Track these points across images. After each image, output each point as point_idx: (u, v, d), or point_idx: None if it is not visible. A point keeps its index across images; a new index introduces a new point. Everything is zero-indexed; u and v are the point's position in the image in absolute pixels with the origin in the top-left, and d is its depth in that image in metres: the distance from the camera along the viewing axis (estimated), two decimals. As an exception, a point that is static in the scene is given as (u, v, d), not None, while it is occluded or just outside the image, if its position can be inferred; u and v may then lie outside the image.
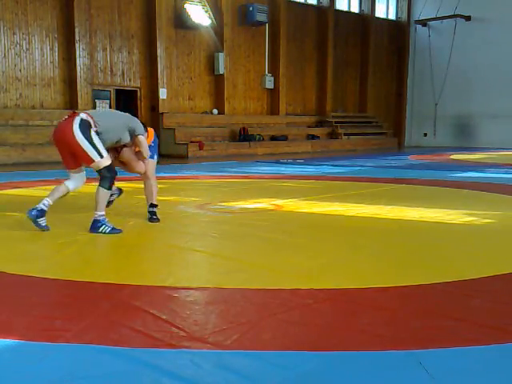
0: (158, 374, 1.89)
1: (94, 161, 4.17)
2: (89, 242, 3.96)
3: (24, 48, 13.09)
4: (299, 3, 19.41)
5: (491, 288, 2.93)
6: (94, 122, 4.24)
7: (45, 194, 4.38)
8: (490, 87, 20.96)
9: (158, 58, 15.14)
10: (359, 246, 3.97)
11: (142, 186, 4.94)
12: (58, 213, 4.83)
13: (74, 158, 4.29)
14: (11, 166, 11.31)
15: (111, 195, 4.81)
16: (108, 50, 14.50)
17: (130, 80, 15.05)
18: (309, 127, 19.53)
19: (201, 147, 14.94)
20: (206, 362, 1.99)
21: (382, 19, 22.64)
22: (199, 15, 15.63)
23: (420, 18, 22.84)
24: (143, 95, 15.36)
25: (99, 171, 4.25)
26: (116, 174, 4.41)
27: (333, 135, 19.83)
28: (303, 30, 19.51)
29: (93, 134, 4.18)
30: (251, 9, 16.96)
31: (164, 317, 2.42)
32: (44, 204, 4.23)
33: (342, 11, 20.92)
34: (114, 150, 4.64)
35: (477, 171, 10.06)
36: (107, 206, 4.50)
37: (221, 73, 16.64)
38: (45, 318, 2.42)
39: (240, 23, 17.28)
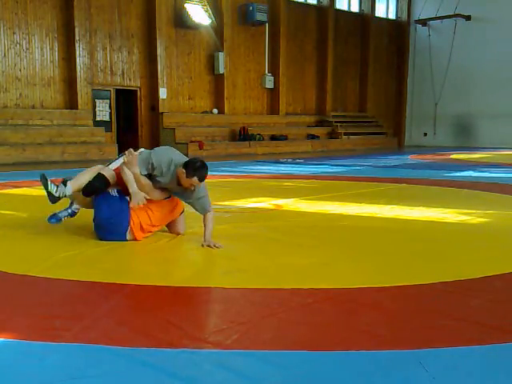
0: (158, 373, 1.89)
1: None
2: (88, 241, 3.96)
3: (24, 47, 13.08)
4: (299, 3, 19.38)
5: (491, 288, 2.93)
6: None
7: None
8: (490, 87, 20.94)
9: (158, 58, 15.13)
10: (359, 246, 3.97)
11: None
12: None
13: None
14: (11, 165, 11.30)
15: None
16: (108, 49, 14.48)
17: (129, 80, 15.05)
18: (309, 127, 19.52)
19: (201, 147, 14.94)
20: (206, 362, 1.99)
21: (382, 19, 22.62)
22: (199, 15, 15.62)
23: (420, 18, 22.81)
24: (143, 95, 15.36)
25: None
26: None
27: (333, 135, 19.82)
28: (303, 30, 19.49)
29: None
30: (251, 8, 16.95)
31: (164, 317, 2.42)
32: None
33: (341, 11, 20.90)
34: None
35: (477, 171, 10.06)
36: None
37: (221, 72, 16.63)
38: (45, 318, 2.42)
39: (240, 23, 17.27)
